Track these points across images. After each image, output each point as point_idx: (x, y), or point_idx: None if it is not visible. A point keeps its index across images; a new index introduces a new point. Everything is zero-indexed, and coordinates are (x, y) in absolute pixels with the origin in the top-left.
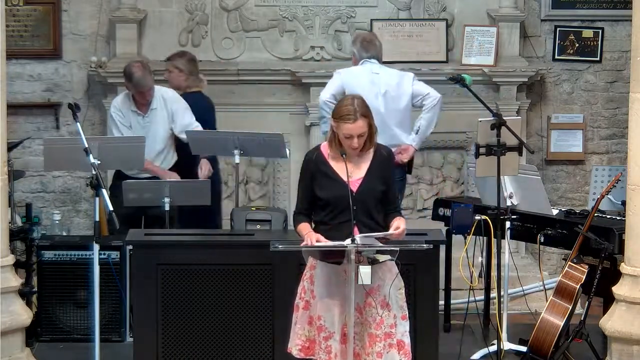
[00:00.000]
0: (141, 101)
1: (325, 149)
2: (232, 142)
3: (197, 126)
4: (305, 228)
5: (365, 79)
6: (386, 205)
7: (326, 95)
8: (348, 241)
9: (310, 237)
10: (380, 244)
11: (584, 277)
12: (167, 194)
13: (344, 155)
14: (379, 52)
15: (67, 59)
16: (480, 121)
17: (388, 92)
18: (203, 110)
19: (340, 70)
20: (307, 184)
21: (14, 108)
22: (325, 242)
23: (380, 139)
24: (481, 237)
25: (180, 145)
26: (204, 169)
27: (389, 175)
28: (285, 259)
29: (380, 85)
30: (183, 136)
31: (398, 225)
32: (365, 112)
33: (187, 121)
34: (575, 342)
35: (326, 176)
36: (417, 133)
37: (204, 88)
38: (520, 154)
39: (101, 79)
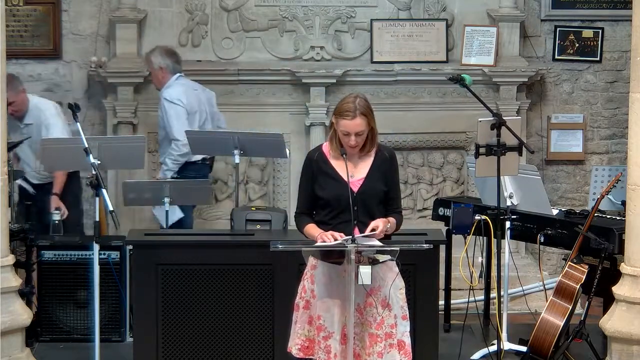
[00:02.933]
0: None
1: (326, 148)
2: (232, 142)
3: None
4: (314, 228)
5: (194, 97)
6: (387, 205)
7: (183, 135)
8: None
9: (326, 235)
10: (381, 244)
11: (584, 277)
12: (167, 194)
13: (344, 155)
14: None
15: (67, 59)
16: (480, 121)
17: (207, 111)
18: None
19: (174, 99)
20: (309, 184)
21: None
22: (329, 241)
23: None
24: (481, 237)
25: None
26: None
27: (391, 176)
28: (285, 259)
29: (203, 103)
30: None
31: (375, 226)
32: (366, 111)
33: (57, 133)
34: (575, 342)
35: (327, 176)
36: None
37: None
38: (520, 154)
39: (101, 79)
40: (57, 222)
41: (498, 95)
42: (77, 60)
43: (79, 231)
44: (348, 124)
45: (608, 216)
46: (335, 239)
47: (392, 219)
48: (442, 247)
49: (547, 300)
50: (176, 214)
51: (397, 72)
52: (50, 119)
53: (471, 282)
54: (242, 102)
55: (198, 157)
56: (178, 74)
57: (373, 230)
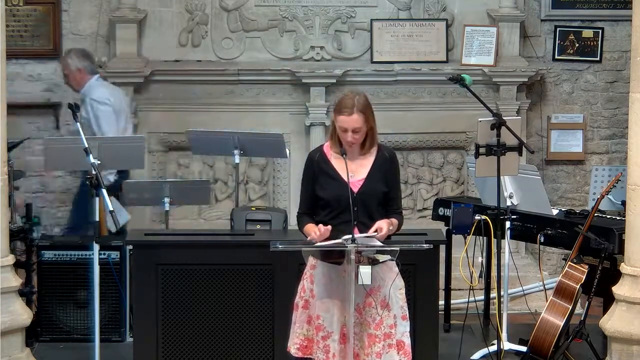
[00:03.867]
0: None
1: (328, 148)
2: (232, 142)
3: None
4: (311, 228)
5: (118, 97)
6: (387, 206)
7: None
8: (345, 237)
9: (314, 230)
10: (381, 244)
11: (584, 277)
12: (167, 194)
13: (344, 155)
14: None
15: None
16: (480, 121)
17: (126, 110)
18: None
19: (102, 99)
20: (310, 184)
21: (13, 108)
22: (316, 237)
23: None
24: (481, 237)
25: None
26: None
27: (391, 176)
28: (285, 259)
29: (123, 102)
30: None
31: (379, 227)
32: (364, 109)
33: None
34: (575, 342)
35: (328, 176)
36: None
37: None
38: (520, 154)
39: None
40: None
41: (498, 95)
42: None
43: None
44: (345, 120)
45: (608, 216)
46: (321, 232)
47: (394, 220)
48: (442, 247)
49: (547, 300)
50: (123, 217)
51: (397, 72)
52: None
53: (471, 282)
54: (242, 102)
55: None
56: (97, 75)
57: (376, 231)
